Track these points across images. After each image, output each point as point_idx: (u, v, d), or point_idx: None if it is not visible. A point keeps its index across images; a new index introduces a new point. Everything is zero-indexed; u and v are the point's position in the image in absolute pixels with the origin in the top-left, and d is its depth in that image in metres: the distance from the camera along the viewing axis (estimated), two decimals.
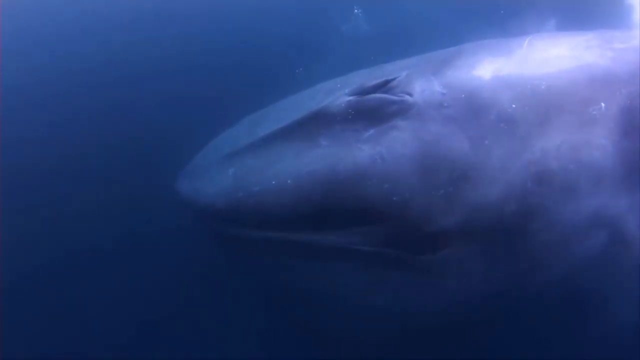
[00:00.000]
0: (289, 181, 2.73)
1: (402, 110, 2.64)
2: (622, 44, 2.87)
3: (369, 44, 5.42)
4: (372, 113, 2.68)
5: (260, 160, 2.88)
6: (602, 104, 2.68)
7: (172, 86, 5.27)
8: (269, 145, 2.90)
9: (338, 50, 5.12)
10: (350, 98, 2.75)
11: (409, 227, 2.63)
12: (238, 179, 2.88)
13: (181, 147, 3.46)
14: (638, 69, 2.76)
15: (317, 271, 3.12)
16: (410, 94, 2.68)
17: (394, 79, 2.77)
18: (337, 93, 2.87)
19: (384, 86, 2.75)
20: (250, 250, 3.18)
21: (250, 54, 5.70)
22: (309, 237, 2.84)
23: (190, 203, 3.07)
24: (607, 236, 2.71)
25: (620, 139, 2.66)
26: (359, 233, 2.75)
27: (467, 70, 2.69)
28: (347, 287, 3.10)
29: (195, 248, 3.51)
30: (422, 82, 2.71)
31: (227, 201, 2.86)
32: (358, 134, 2.68)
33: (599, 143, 2.63)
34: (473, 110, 2.57)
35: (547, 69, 2.70)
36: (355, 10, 6.10)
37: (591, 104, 2.66)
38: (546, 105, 2.60)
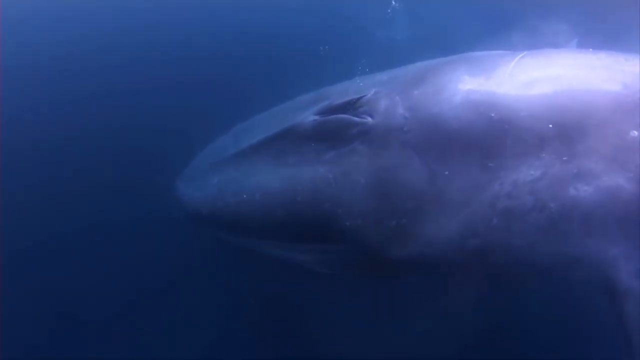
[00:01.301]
0: (257, 196, 2.83)
1: (362, 133, 2.53)
2: (629, 67, 2.40)
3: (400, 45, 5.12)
4: (334, 134, 2.62)
5: (239, 172, 3.02)
6: (602, 136, 2.27)
7: (186, 74, 5.35)
8: (247, 159, 3.01)
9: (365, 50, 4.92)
10: (316, 117, 2.70)
11: (364, 253, 2.56)
12: (220, 189, 3.06)
13: (190, 137, 3.66)
14: None
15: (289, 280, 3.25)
16: (371, 116, 2.55)
17: (360, 98, 2.64)
18: (309, 110, 2.83)
19: (350, 105, 2.64)
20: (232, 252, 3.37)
21: (270, 48, 5.68)
22: (274, 251, 2.91)
23: (182, 206, 3.30)
24: (592, 283, 2.35)
25: (618, 178, 2.25)
26: (318, 252, 2.75)
27: (435, 91, 2.45)
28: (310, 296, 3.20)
29: (186, 243, 3.76)
30: (386, 103, 2.55)
31: (210, 209, 3.07)
32: (320, 155, 2.65)
33: (590, 180, 2.25)
34: (436, 136, 2.36)
35: (533, 92, 2.33)
36: (393, 2, 5.74)
37: (586, 135, 2.27)
38: (525, 133, 2.27)
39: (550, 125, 2.27)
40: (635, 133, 2.28)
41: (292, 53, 5.57)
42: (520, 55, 2.57)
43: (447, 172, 2.31)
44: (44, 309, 3.48)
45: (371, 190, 2.44)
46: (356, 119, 2.57)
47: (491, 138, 2.29)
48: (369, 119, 2.54)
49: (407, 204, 2.37)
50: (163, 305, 3.56)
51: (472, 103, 2.34)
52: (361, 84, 2.83)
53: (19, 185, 4.05)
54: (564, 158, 2.26)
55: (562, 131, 2.27)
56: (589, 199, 2.25)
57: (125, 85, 5.12)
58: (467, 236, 2.32)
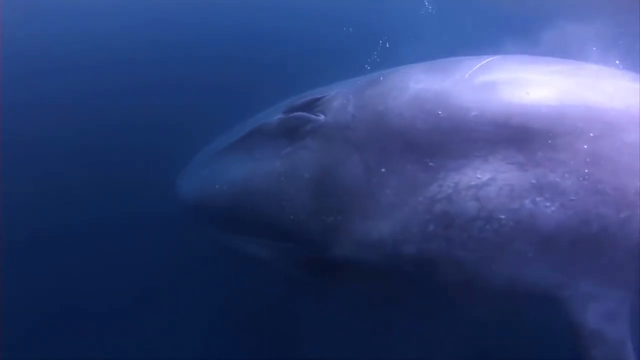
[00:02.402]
0: (225, 187, 2.94)
1: (314, 129, 2.54)
2: (623, 81, 2.15)
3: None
4: (292, 131, 2.66)
5: (220, 166, 3.17)
6: (572, 148, 2.00)
7: (192, 74, 5.49)
8: (228, 154, 3.17)
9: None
10: (281, 115, 2.78)
11: (307, 249, 2.49)
12: (203, 181, 3.24)
13: (194, 136, 3.72)
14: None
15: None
16: (325, 114, 2.55)
17: (322, 97, 2.67)
18: (279, 110, 2.92)
19: (310, 104, 2.68)
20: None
21: (277, 50, 5.83)
22: (239, 245, 2.97)
23: (179, 201, 3.54)
24: (553, 320, 1.99)
25: (591, 200, 1.94)
26: (273, 248, 2.74)
27: (385, 90, 2.37)
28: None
29: (186, 241, 3.79)
30: (340, 102, 2.55)
31: (193, 200, 3.24)
32: (279, 151, 2.70)
33: (554, 196, 1.97)
34: (377, 133, 2.27)
35: (490, 93, 2.14)
36: (426, 4, 5.66)
37: (551, 144, 2.01)
38: (474, 134, 2.08)
39: (505, 128, 2.05)
40: (617, 150, 1.98)
41: (298, 56, 5.71)
42: (490, 59, 2.40)
43: (383, 170, 2.19)
44: (42, 306, 3.52)
45: (312, 185, 2.41)
46: (312, 116, 2.59)
47: (435, 136, 2.13)
48: (322, 117, 2.55)
49: (343, 200, 2.28)
50: (160, 304, 3.62)
51: (420, 100, 2.22)
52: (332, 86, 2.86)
53: (18, 182, 4.12)
54: (520, 165, 2.01)
55: (520, 135, 2.03)
56: (552, 217, 1.96)
57: (129, 84, 5.44)
58: (401, 240, 2.13)
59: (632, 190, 1.97)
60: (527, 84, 2.15)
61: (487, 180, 2.02)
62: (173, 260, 3.84)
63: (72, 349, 3.35)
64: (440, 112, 2.15)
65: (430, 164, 2.10)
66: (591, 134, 2.00)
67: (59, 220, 4.00)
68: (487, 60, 2.38)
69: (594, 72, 2.32)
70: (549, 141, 2.00)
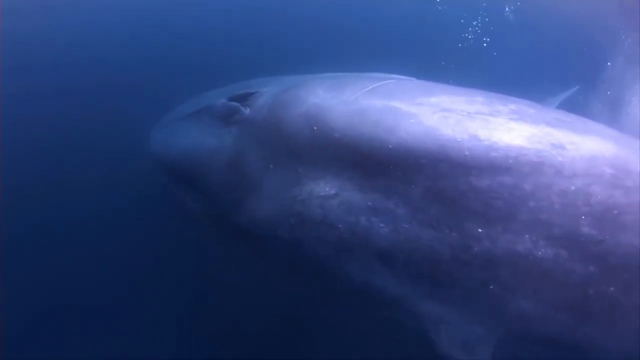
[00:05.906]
0: (176, 150, 3.63)
1: (240, 120, 3.11)
2: (501, 119, 2.27)
3: None
4: (227, 116, 3.23)
5: (176, 131, 3.81)
6: (409, 181, 2.29)
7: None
8: (185, 121, 3.79)
9: None
10: (223, 101, 3.35)
11: (225, 214, 3.16)
12: (162, 141, 3.88)
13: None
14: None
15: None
16: (250, 108, 3.08)
17: (255, 93, 3.18)
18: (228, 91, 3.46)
19: (245, 97, 3.21)
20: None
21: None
22: (180, 194, 3.69)
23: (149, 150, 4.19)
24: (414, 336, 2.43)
25: (422, 231, 2.24)
26: (201, 202, 3.44)
27: (291, 99, 2.82)
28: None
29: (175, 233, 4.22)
30: (263, 100, 3.05)
31: (154, 157, 3.94)
32: (214, 130, 3.31)
33: (388, 220, 2.31)
34: (274, 136, 2.80)
35: (357, 118, 2.50)
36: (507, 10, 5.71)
37: (391, 175, 2.33)
38: (331, 153, 2.51)
39: (355, 154, 2.44)
40: (460, 193, 2.15)
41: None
42: (384, 82, 2.73)
43: (271, 166, 2.76)
44: (36, 302, 3.71)
45: (227, 165, 3.05)
46: (241, 108, 3.14)
47: (308, 148, 2.61)
48: (247, 111, 3.10)
49: (244, 183, 2.90)
50: (149, 300, 3.87)
51: (309, 115, 2.67)
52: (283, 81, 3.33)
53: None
54: (360, 187, 2.41)
55: (365, 162, 2.40)
56: (385, 237, 2.29)
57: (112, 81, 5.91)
58: (276, 224, 2.72)
59: (469, 234, 2.09)
60: (392, 114, 2.42)
61: (332, 194, 2.46)
62: (166, 252, 4.20)
63: (69, 345, 3.56)
64: (315, 128, 2.60)
65: (299, 169, 2.62)
66: (433, 172, 2.22)
67: (38, 211, 4.32)
68: (379, 83, 2.72)
69: (479, 106, 2.39)
70: (390, 172, 2.33)
